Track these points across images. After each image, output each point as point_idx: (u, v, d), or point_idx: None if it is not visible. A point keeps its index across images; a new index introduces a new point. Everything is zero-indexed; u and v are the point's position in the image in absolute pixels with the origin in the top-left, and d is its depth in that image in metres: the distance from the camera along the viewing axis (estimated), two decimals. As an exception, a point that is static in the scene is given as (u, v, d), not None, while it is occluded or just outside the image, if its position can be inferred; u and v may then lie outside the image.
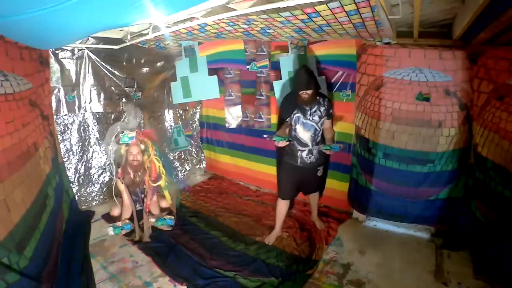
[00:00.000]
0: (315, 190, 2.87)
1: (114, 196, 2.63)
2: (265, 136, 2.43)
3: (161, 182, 2.67)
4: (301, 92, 2.38)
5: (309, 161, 2.58)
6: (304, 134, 2.52)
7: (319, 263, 2.42)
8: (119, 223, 2.54)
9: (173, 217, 2.70)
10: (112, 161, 2.59)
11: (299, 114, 2.50)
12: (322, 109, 2.50)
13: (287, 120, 2.55)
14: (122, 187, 2.60)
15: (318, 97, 2.49)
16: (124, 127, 2.59)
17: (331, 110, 2.55)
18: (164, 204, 2.84)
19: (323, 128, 2.56)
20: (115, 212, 2.75)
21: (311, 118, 2.49)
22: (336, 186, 3.25)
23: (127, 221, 2.58)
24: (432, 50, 2.43)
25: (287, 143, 2.37)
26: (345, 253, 2.56)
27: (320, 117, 2.50)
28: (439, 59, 2.42)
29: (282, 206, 2.71)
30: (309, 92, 2.37)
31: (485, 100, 2.31)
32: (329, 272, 2.32)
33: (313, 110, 2.48)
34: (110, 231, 2.48)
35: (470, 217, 2.51)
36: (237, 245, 2.65)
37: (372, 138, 2.78)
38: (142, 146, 2.57)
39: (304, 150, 2.55)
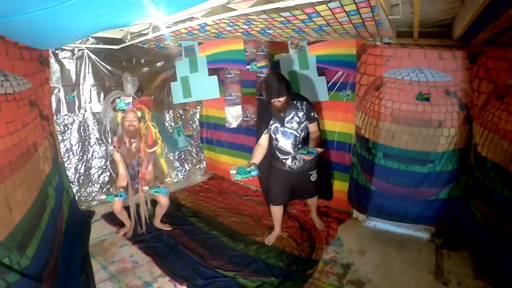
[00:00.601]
0: (311, 195, 2.79)
1: (109, 168, 2.60)
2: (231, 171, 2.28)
3: (157, 149, 2.62)
4: (273, 100, 2.26)
5: (296, 167, 2.50)
6: (284, 143, 2.44)
7: (319, 263, 2.42)
8: (113, 191, 2.49)
9: (167, 187, 2.62)
10: (108, 129, 2.55)
11: (276, 124, 2.40)
12: (301, 114, 2.38)
13: (264, 132, 2.44)
14: (117, 156, 2.55)
15: (295, 102, 2.38)
16: (121, 94, 2.56)
17: (312, 113, 2.41)
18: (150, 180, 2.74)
19: (310, 131, 2.46)
20: (121, 183, 2.66)
21: (289, 126, 2.39)
22: (336, 186, 3.25)
23: (122, 190, 2.53)
24: (432, 50, 2.43)
25: (250, 177, 2.26)
26: (345, 253, 2.56)
27: (299, 123, 2.39)
28: (439, 59, 2.42)
29: (277, 210, 2.67)
30: (281, 99, 2.25)
31: (485, 100, 2.31)
32: (329, 272, 2.32)
33: (290, 117, 2.37)
34: (105, 198, 2.44)
35: (470, 217, 2.52)
36: (237, 245, 2.65)
37: (372, 138, 2.78)
38: (139, 113, 2.53)
39: (288, 158, 2.48)
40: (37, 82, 2.38)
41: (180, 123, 4.07)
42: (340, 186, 3.22)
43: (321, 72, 3.03)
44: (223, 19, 1.99)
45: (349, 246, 2.66)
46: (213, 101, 3.90)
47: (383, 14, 1.80)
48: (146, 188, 2.58)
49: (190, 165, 4.29)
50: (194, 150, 4.34)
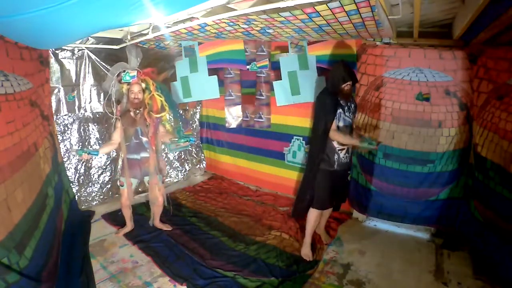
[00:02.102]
0: (343, 199, 2.70)
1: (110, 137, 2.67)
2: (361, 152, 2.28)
3: (163, 115, 2.64)
4: (345, 84, 2.29)
5: (344, 161, 2.42)
6: (344, 131, 2.37)
7: (319, 263, 2.42)
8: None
9: (192, 137, 2.66)
10: (113, 99, 2.57)
11: (340, 110, 2.36)
12: (353, 105, 2.44)
13: (334, 119, 2.33)
14: (118, 124, 2.58)
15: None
16: (126, 66, 2.59)
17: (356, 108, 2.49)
18: (167, 139, 2.72)
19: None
20: (105, 147, 2.66)
21: (348, 114, 2.39)
22: (336, 186, 3.25)
23: (98, 149, 2.54)
24: (432, 50, 2.44)
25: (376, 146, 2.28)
26: (345, 253, 2.56)
27: (354, 113, 2.44)
28: (439, 59, 2.42)
29: (317, 216, 2.51)
30: (350, 84, 2.31)
31: (484, 100, 2.31)
32: (329, 272, 2.32)
33: (349, 105, 2.40)
34: (75, 152, 2.53)
35: (470, 217, 2.52)
36: (237, 245, 2.65)
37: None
38: (143, 85, 2.57)
39: (343, 149, 2.39)
40: (37, 82, 2.38)
41: (180, 123, 4.07)
42: (340, 186, 3.22)
43: (320, 72, 3.02)
44: (223, 19, 1.99)
45: (349, 246, 2.66)
46: (213, 101, 3.90)
47: (383, 14, 1.81)
48: (175, 139, 2.59)
49: (190, 165, 4.29)
50: (194, 150, 4.34)
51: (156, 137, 2.65)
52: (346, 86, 2.30)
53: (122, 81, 2.52)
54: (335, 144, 2.37)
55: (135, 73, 2.51)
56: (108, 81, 2.62)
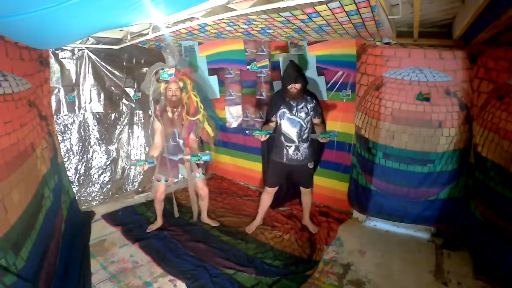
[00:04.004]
0: (306, 183, 2.78)
1: (150, 136, 2.70)
2: (247, 132, 2.48)
3: (199, 116, 2.66)
4: (290, 86, 2.41)
5: (295, 158, 2.61)
6: (290, 130, 2.57)
7: (319, 263, 2.42)
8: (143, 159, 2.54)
9: (208, 152, 2.62)
10: (151, 99, 2.59)
11: (284, 110, 2.55)
12: (309, 106, 2.55)
13: (273, 117, 2.59)
14: (157, 125, 2.60)
15: (305, 96, 2.53)
16: (163, 66, 2.60)
17: (319, 110, 2.61)
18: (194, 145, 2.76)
19: (314, 125, 2.61)
20: (154, 152, 2.66)
21: (297, 115, 2.53)
22: (336, 186, 3.25)
23: (153, 158, 2.52)
24: (432, 50, 2.43)
25: (267, 136, 2.42)
26: (345, 253, 2.56)
27: (307, 114, 2.55)
28: (439, 59, 2.42)
29: (266, 197, 2.80)
30: (297, 86, 2.40)
31: (485, 100, 2.31)
32: (329, 272, 2.32)
33: (300, 106, 2.53)
34: (134, 163, 2.58)
35: (470, 217, 2.51)
36: (237, 244, 2.65)
37: (372, 138, 2.78)
38: (181, 84, 2.58)
39: (291, 146, 2.59)
40: (36, 82, 2.38)
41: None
42: (340, 186, 3.22)
43: (320, 72, 3.03)
44: (223, 19, 1.99)
45: (349, 246, 2.66)
46: (213, 101, 3.89)
47: (383, 14, 1.80)
48: (187, 157, 2.58)
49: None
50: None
51: (192, 141, 2.70)
52: (291, 88, 2.42)
53: (160, 79, 2.52)
54: (282, 139, 2.59)
55: (173, 71, 2.52)
56: (146, 81, 2.62)
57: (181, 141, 2.68)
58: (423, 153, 2.60)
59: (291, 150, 2.60)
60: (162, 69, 2.52)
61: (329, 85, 3.07)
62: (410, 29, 2.34)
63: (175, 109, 2.60)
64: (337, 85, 3.06)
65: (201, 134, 2.77)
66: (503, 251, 2.11)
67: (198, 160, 2.52)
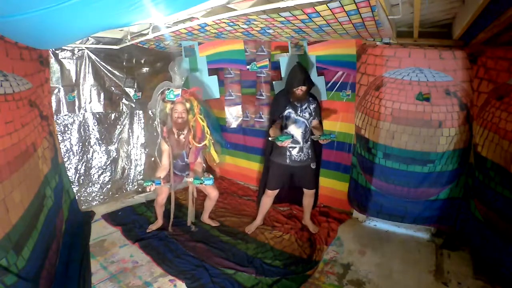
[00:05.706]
0: (309, 185, 2.77)
1: (156, 157, 2.67)
2: (270, 138, 2.40)
3: (206, 141, 2.62)
4: (296, 88, 2.43)
5: (299, 159, 2.60)
6: (295, 131, 2.56)
7: (319, 263, 2.42)
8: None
9: (211, 176, 2.53)
10: (158, 120, 2.57)
11: (290, 110, 2.55)
12: (312, 107, 2.59)
13: (279, 117, 2.59)
14: (165, 146, 2.55)
15: (307, 96, 2.56)
16: (170, 85, 2.56)
17: (320, 111, 2.67)
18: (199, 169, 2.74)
19: (312, 126, 2.62)
20: (161, 173, 2.65)
21: (301, 115, 2.55)
22: (336, 186, 3.25)
23: (160, 179, 2.50)
24: (432, 50, 2.43)
25: (290, 140, 2.33)
26: (345, 253, 2.56)
27: (310, 115, 2.58)
28: (439, 59, 2.42)
29: (267, 200, 2.78)
30: (304, 88, 2.43)
31: (485, 100, 2.31)
32: (329, 272, 2.32)
33: (304, 107, 2.55)
34: (141, 184, 2.54)
35: (470, 217, 2.51)
36: (237, 244, 2.65)
37: (372, 138, 2.78)
38: (188, 105, 2.52)
39: (295, 147, 2.58)
40: (37, 82, 2.38)
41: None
42: (340, 186, 3.22)
43: (320, 72, 3.03)
44: (223, 19, 1.99)
45: (349, 246, 2.66)
46: (213, 101, 3.89)
47: (383, 14, 1.80)
48: (190, 179, 2.54)
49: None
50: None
51: (197, 165, 2.69)
52: (298, 90, 2.44)
53: (166, 99, 2.46)
54: None
55: (179, 91, 2.46)
56: (153, 100, 2.59)
57: (187, 160, 2.67)
58: (423, 153, 2.60)
59: (295, 152, 2.59)
60: (168, 88, 2.46)
61: (329, 85, 3.07)
62: (410, 29, 2.34)
63: (181, 132, 2.55)
64: (337, 85, 3.06)
65: (206, 158, 2.77)
66: (503, 251, 2.11)
67: (200, 183, 2.49)
